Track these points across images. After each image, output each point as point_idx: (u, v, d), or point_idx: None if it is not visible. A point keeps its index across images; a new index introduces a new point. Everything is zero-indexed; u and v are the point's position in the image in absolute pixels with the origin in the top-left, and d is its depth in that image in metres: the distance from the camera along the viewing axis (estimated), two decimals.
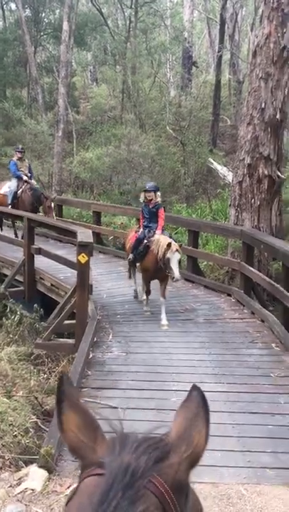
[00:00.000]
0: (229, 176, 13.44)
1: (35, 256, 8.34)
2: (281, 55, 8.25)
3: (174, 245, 6.27)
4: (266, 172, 8.53)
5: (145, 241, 6.70)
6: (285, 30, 8.24)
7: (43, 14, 24.59)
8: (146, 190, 6.91)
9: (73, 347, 6.24)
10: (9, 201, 10.72)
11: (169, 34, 24.76)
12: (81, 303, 6.19)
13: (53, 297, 8.12)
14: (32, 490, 3.23)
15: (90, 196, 16.65)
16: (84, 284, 6.18)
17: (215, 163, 15.30)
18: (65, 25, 17.65)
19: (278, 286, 6.23)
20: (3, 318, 7.83)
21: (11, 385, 5.52)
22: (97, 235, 11.17)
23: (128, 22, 22.74)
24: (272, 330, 6.26)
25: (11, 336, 7.51)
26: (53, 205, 10.58)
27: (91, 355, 5.51)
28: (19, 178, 10.81)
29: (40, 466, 3.40)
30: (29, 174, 11.05)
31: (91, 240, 6.40)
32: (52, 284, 8.21)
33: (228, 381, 4.97)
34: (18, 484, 3.30)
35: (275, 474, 3.49)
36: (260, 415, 4.31)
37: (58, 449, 3.63)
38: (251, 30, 21.81)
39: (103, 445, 0.84)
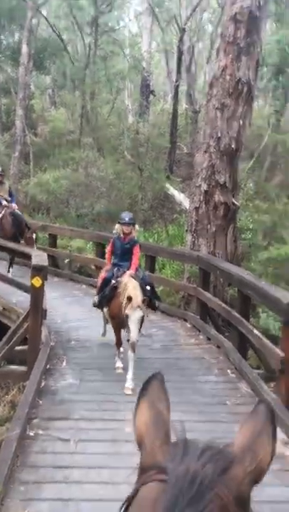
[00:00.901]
0: (185, 202, 13.61)
1: None
2: (236, 87, 8.51)
3: (136, 300, 5.21)
4: (222, 199, 8.67)
5: (113, 281, 5.65)
6: (240, 64, 8.52)
7: (2, 36, 24.53)
8: (124, 223, 5.84)
9: (25, 374, 5.97)
10: None
11: (128, 62, 25.24)
12: (34, 328, 5.97)
13: (5, 322, 7.82)
14: None
15: (47, 218, 16.41)
16: (37, 309, 5.97)
17: (172, 189, 15.50)
18: (24, 48, 17.65)
19: (234, 312, 6.26)
20: None
21: None
22: (52, 258, 10.96)
23: (88, 49, 23.02)
24: (228, 356, 6.25)
25: None
26: (35, 236, 9.69)
27: (43, 384, 5.28)
28: None
29: None
30: (9, 198, 10.30)
31: (46, 263, 6.23)
32: (4, 308, 7.92)
33: (184, 409, 4.84)
34: None
35: None
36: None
37: (5, 488, 3.39)
38: (207, 62, 22.64)
39: (166, 449, 0.81)
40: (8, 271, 9.32)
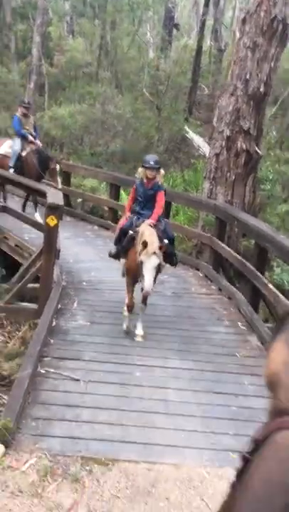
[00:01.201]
0: (204, 147, 13.21)
1: (0, 214, 7.95)
2: (271, 26, 7.94)
3: (151, 246, 4.79)
4: (244, 146, 8.34)
5: (130, 232, 5.14)
6: (276, 0, 7.92)
7: None
8: (148, 167, 5.20)
9: (35, 312, 6.01)
10: (11, 164, 9.07)
11: None
12: (47, 267, 5.93)
13: (17, 258, 7.81)
14: None
15: (60, 155, 16.05)
16: (51, 249, 5.91)
17: (191, 132, 14.99)
18: None
19: (249, 265, 6.16)
20: None
21: None
22: (65, 197, 10.79)
23: None
24: (239, 308, 6.23)
25: None
26: (58, 167, 9.20)
27: (54, 323, 5.31)
28: (23, 138, 9.21)
29: None
30: (34, 133, 9.51)
31: (62, 202, 6.09)
32: (16, 245, 7.89)
33: (193, 358, 4.90)
34: None
35: (237, 458, 3.45)
36: (223, 396, 4.28)
37: (17, 422, 3.46)
38: None
39: None
40: (36, 210, 8.95)
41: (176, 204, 10.40)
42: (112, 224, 9.50)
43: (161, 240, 5.03)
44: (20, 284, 6.30)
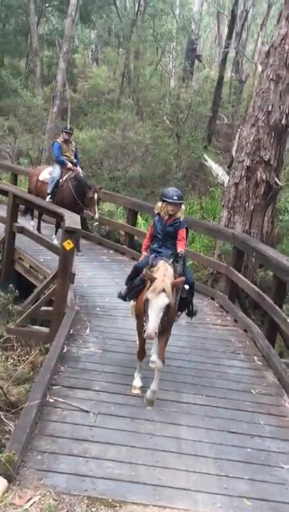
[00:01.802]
0: (223, 176, 13.18)
1: (17, 235, 7.95)
2: None
3: (161, 281, 4.11)
4: (264, 177, 8.28)
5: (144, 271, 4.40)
6: None
7: None
8: (170, 203, 4.65)
9: (47, 336, 5.91)
10: (49, 190, 8.87)
11: (176, 23, 24.23)
12: (61, 291, 5.85)
13: (31, 280, 7.76)
14: None
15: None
16: (66, 272, 5.84)
17: (210, 161, 15.01)
18: None
19: (267, 297, 6.00)
20: None
21: None
22: (82, 219, 10.78)
23: (137, 5, 22.15)
24: (255, 341, 6.05)
25: None
26: (96, 196, 8.70)
27: (66, 349, 5.18)
28: (62, 164, 9.05)
29: None
30: (75, 160, 9.34)
31: (79, 226, 6.04)
32: (31, 266, 7.84)
33: (207, 393, 4.72)
34: None
35: (252, 506, 3.26)
36: (238, 436, 4.08)
37: (22, 455, 3.31)
38: (260, 29, 21.51)
39: None
40: (55, 233, 8.83)
41: (192, 231, 10.32)
42: (128, 249, 9.44)
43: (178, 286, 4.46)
44: (33, 306, 6.21)
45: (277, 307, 5.69)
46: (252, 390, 4.91)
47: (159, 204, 4.80)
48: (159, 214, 4.79)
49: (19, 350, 6.48)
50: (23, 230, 7.69)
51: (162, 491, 3.29)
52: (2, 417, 4.72)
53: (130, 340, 5.63)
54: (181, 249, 4.64)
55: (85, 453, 3.56)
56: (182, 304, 4.70)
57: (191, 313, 4.97)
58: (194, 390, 4.76)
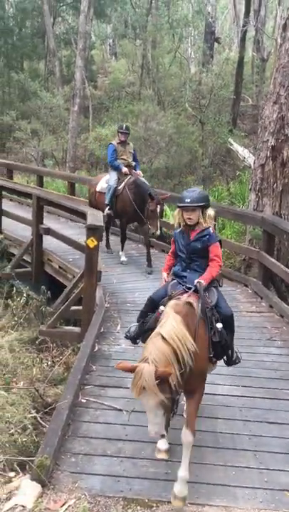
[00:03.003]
0: (250, 158, 12.85)
1: (44, 236, 7.97)
2: None
3: (140, 379, 2.78)
4: None
5: (161, 308, 3.46)
6: None
7: None
8: (182, 207, 3.63)
9: (79, 336, 5.89)
10: (106, 201, 8.05)
11: (192, 8, 23.82)
12: (88, 290, 5.82)
13: (61, 280, 7.78)
14: (23, 506, 2.90)
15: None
16: (92, 270, 5.79)
17: (235, 144, 14.67)
18: None
19: None
20: (9, 300, 7.53)
21: (10, 376, 5.20)
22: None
23: None
24: None
25: (16, 318, 7.22)
26: (159, 209, 7.54)
27: (97, 348, 5.14)
28: (117, 169, 8.12)
29: (33, 479, 3.06)
30: (134, 163, 8.34)
31: (101, 223, 5.97)
32: (60, 267, 7.85)
33: (244, 384, 4.58)
34: (8, 499, 2.96)
35: None
36: (278, 426, 3.93)
37: (54, 459, 3.28)
38: (279, 4, 20.84)
39: None
40: (122, 249, 8.36)
41: (221, 218, 10.10)
42: (158, 242, 9.32)
43: (202, 325, 3.28)
44: (62, 307, 6.21)
45: None
46: None
47: (175, 212, 3.75)
48: (181, 226, 3.73)
49: (54, 351, 6.51)
50: (49, 231, 7.70)
51: (200, 487, 3.20)
52: (39, 418, 4.72)
53: None
54: (202, 279, 3.47)
55: (119, 453, 3.51)
56: (217, 349, 3.44)
57: (230, 362, 3.78)
58: (230, 381, 4.63)
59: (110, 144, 8.44)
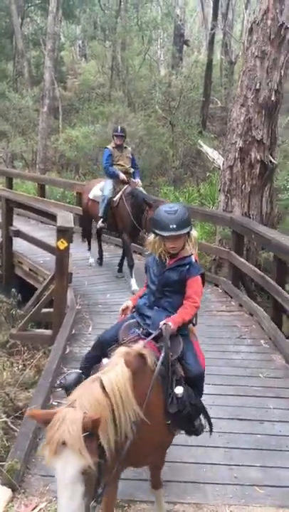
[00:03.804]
0: (219, 160, 13.01)
1: (14, 238, 7.89)
2: (279, 33, 7.77)
3: (59, 430, 1.91)
4: (258, 157, 8.12)
5: (104, 361, 2.68)
6: (283, 7, 7.75)
7: None
8: (165, 237, 2.86)
9: (50, 338, 5.85)
10: (100, 213, 7.31)
11: (161, 10, 23.95)
12: (59, 292, 5.79)
13: (31, 282, 7.71)
14: None
15: (75, 176, 16.11)
16: (63, 272, 5.76)
17: (205, 146, 14.84)
18: None
19: (269, 279, 5.89)
20: None
21: None
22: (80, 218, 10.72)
23: None
24: (261, 325, 5.95)
25: None
26: None
27: (68, 350, 5.12)
28: (113, 177, 7.32)
29: (3, 484, 3.03)
30: (132, 170, 7.52)
31: (71, 224, 5.95)
32: (30, 269, 7.79)
33: (214, 382, 4.62)
34: None
35: (264, 493, 3.18)
36: (248, 422, 4.00)
37: (25, 462, 3.26)
38: (246, 8, 21.18)
39: None
40: (132, 276, 7.18)
41: (193, 219, 10.18)
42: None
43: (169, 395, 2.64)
44: (33, 309, 6.16)
45: (280, 288, 5.58)
46: (260, 375, 4.82)
47: (151, 238, 2.95)
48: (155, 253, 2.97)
49: (25, 354, 6.45)
50: (19, 234, 7.62)
51: (171, 486, 3.22)
52: (10, 423, 4.67)
53: None
54: (170, 321, 2.72)
55: None
56: (176, 419, 2.66)
57: (191, 432, 2.94)
58: None
59: (105, 148, 7.63)
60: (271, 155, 8.29)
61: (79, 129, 16.63)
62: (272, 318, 5.82)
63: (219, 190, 8.89)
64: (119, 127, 7.86)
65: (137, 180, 7.46)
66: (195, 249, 2.97)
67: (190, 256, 2.92)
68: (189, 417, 2.78)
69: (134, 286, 6.92)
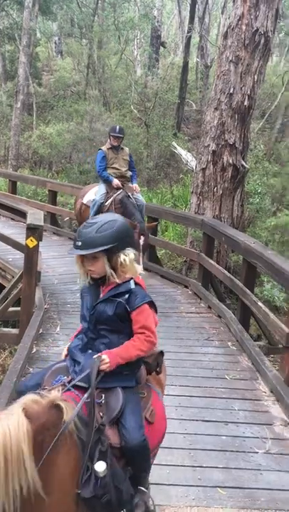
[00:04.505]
0: (192, 162, 13.09)
1: None
2: (253, 39, 7.89)
3: None
4: (231, 161, 8.23)
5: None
6: (258, 13, 7.87)
7: None
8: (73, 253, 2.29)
9: (17, 338, 5.76)
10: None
11: (138, 11, 23.93)
12: (27, 290, 5.70)
13: (0, 281, 7.58)
14: None
15: (49, 173, 15.95)
16: (31, 271, 5.68)
17: (179, 148, 14.90)
18: None
19: (237, 281, 5.96)
20: None
21: None
22: (51, 216, 10.63)
23: None
24: (229, 327, 6.00)
25: None
26: (143, 241, 6.33)
27: (34, 350, 5.05)
28: (106, 181, 6.79)
29: None
30: (129, 173, 6.93)
31: (41, 222, 5.88)
32: None
33: (181, 383, 4.65)
34: None
35: (226, 495, 3.20)
36: (213, 424, 4.02)
37: None
38: (222, 13, 21.40)
39: None
40: None
41: (164, 220, 10.23)
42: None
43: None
44: (0, 307, 6.05)
45: (247, 290, 5.65)
46: (226, 376, 4.86)
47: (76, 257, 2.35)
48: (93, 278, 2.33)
49: None
50: None
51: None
52: None
53: None
54: (106, 354, 2.18)
55: None
56: (93, 506, 1.98)
57: None
58: (168, 380, 4.67)
59: (100, 150, 6.97)
60: (243, 159, 8.41)
61: (53, 127, 16.47)
62: (239, 320, 5.88)
63: (192, 192, 8.96)
64: (117, 127, 7.12)
65: (135, 185, 6.89)
66: (136, 273, 2.32)
67: (128, 281, 2.26)
68: (110, 507, 2.01)
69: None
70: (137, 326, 2.28)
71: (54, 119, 17.73)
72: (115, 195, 6.69)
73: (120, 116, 17.37)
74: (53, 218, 10.59)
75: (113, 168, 6.80)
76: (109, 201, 6.68)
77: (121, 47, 21.34)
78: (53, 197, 10.81)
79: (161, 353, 2.49)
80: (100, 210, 6.64)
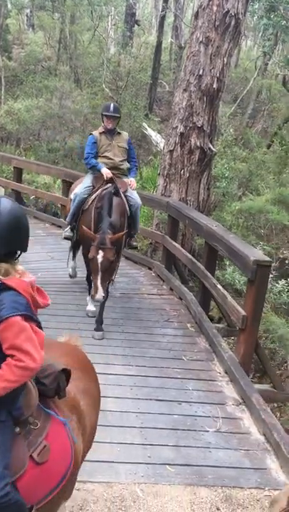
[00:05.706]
0: (162, 144, 13.02)
1: None
2: (223, 21, 7.81)
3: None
4: (198, 143, 8.20)
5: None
6: None
7: None
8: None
9: None
10: (68, 218, 5.77)
11: None
12: None
13: None
14: None
15: (16, 150, 15.58)
16: None
17: (149, 129, 14.80)
18: None
19: (199, 264, 6.00)
20: None
21: None
22: (16, 194, 10.42)
23: None
24: (189, 309, 6.06)
25: None
26: (112, 256, 5.09)
27: None
28: (95, 171, 5.56)
29: None
30: (127, 164, 5.72)
31: None
32: None
33: (138, 363, 4.68)
34: None
35: (174, 472, 3.26)
36: (166, 403, 4.08)
37: None
38: None
39: None
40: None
41: None
42: (66, 222, 9.16)
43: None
44: None
45: (208, 273, 5.70)
46: (183, 357, 4.92)
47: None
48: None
49: None
50: None
51: (83, 465, 3.21)
52: None
53: (62, 315, 5.51)
54: None
55: None
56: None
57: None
58: (124, 361, 4.71)
59: (90, 134, 5.81)
60: (211, 142, 8.40)
61: (22, 102, 16.06)
62: (199, 302, 5.94)
63: (159, 174, 8.92)
64: (111, 105, 5.74)
65: (131, 179, 5.68)
66: (13, 277, 1.88)
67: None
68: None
69: (90, 306, 5.64)
70: (5, 346, 1.76)
71: (23, 95, 17.27)
72: (101, 189, 5.33)
73: (91, 95, 17.07)
74: (18, 196, 10.39)
75: (104, 157, 5.53)
76: (93, 197, 5.37)
77: (94, 23, 20.86)
78: (18, 174, 10.58)
79: (64, 371, 1.97)
80: (81, 207, 5.49)
